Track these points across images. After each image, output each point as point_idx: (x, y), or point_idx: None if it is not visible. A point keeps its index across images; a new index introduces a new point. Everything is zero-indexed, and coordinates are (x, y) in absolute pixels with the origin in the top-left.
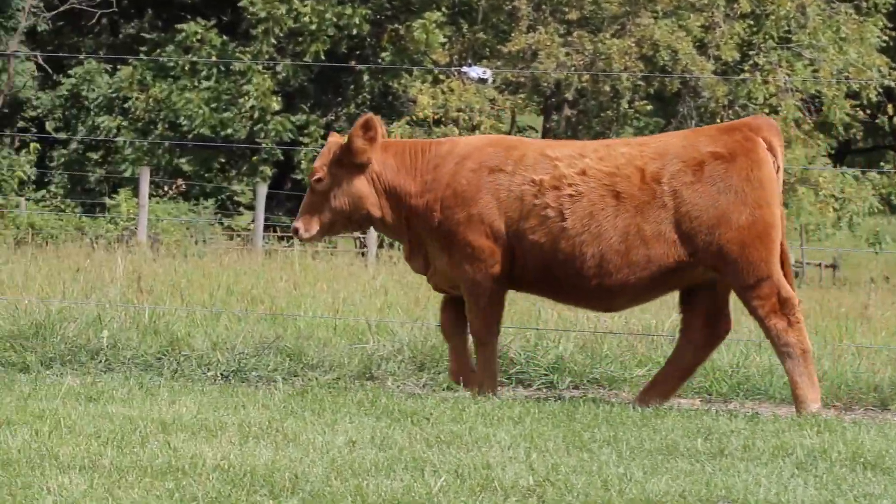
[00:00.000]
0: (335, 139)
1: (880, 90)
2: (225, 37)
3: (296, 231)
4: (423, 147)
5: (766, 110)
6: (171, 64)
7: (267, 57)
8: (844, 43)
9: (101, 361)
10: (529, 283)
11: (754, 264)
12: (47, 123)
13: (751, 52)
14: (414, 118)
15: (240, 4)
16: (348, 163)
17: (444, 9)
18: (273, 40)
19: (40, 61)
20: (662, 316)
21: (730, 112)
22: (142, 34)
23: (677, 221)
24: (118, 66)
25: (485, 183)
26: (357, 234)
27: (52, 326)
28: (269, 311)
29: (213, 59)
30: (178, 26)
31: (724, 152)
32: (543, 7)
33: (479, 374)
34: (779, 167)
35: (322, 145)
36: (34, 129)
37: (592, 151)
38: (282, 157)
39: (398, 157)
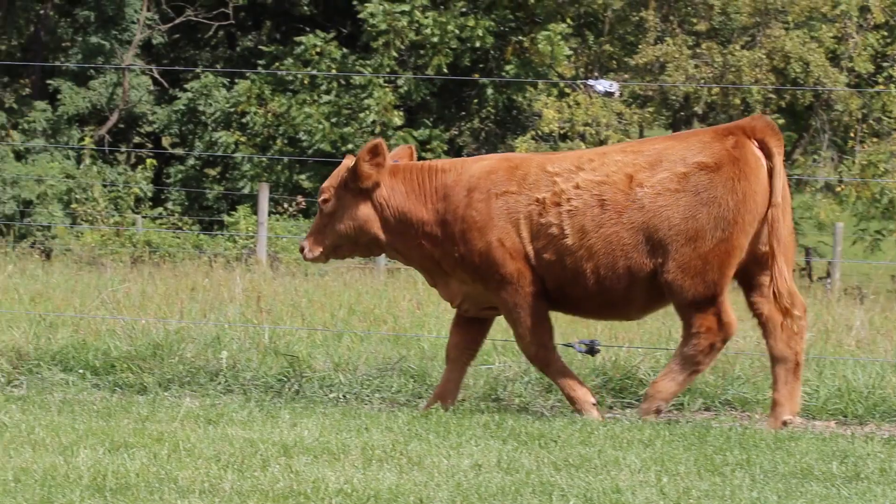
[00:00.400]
0: (347, 161)
1: None
2: (345, 49)
3: (301, 249)
4: (430, 171)
5: None
6: (290, 77)
7: (388, 70)
8: None
9: (220, 383)
10: (553, 300)
11: (708, 285)
12: (164, 139)
13: (885, 64)
14: (539, 132)
15: (360, 16)
16: (354, 187)
17: (569, 20)
18: (394, 53)
19: (156, 75)
20: None
21: (863, 126)
22: (260, 47)
23: (654, 228)
24: (236, 80)
25: (495, 209)
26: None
27: (170, 347)
28: (392, 332)
29: (333, 72)
30: (297, 39)
31: (711, 162)
32: (671, 18)
33: (569, 397)
34: (773, 168)
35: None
36: (150, 145)
37: (588, 162)
38: None
39: (407, 182)
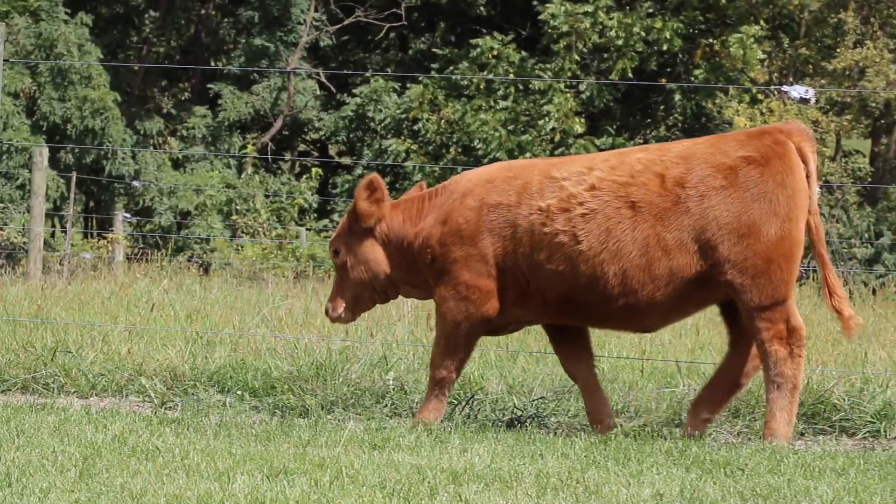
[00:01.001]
0: (349, 212)
1: None
2: (523, 52)
3: (326, 312)
4: (429, 193)
5: None
6: (465, 82)
7: (569, 75)
8: None
9: (386, 405)
10: (553, 313)
11: (775, 284)
12: (330, 147)
13: None
14: None
15: (540, 18)
16: (358, 228)
17: (763, 22)
18: (576, 56)
19: (323, 79)
20: None
21: None
22: (433, 50)
23: (702, 228)
24: (407, 85)
25: (485, 221)
26: None
27: (334, 367)
28: None
29: (511, 76)
30: (473, 41)
31: (758, 156)
32: (872, 20)
33: (422, 413)
34: (810, 175)
35: None
36: (316, 153)
37: (603, 162)
38: None
39: (406, 211)
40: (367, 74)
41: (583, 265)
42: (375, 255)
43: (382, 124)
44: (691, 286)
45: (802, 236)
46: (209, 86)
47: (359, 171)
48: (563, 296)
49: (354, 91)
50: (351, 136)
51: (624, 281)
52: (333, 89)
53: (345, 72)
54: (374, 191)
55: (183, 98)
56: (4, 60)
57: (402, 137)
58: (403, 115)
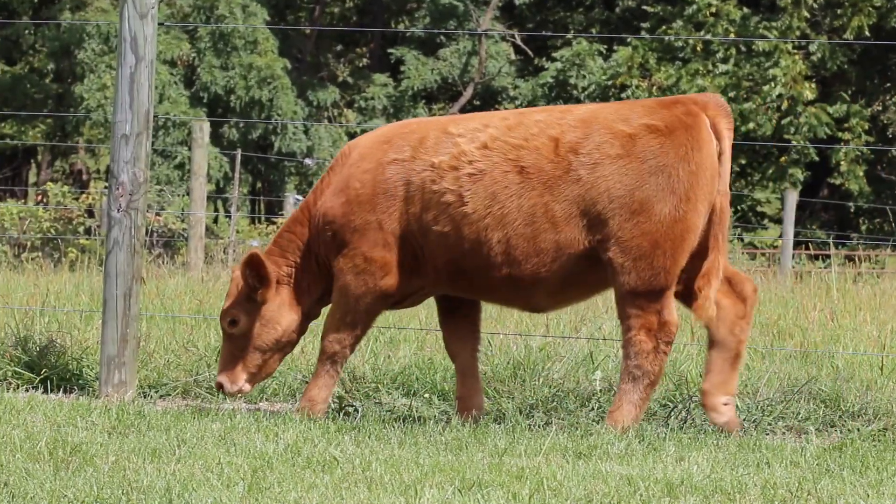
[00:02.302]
0: (235, 275)
1: None
2: (745, 9)
3: (220, 387)
4: (329, 171)
5: None
6: (680, 43)
7: (798, 34)
8: None
9: (592, 409)
10: (444, 282)
11: (655, 271)
12: None
13: None
14: None
15: None
16: (255, 297)
17: None
18: (805, 13)
19: (519, 42)
20: None
21: None
22: (643, 7)
23: (592, 200)
24: (614, 47)
25: (380, 182)
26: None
27: (534, 367)
28: (800, 348)
29: (731, 37)
30: None
31: (662, 125)
32: None
33: (312, 390)
34: (722, 153)
35: (866, 142)
36: None
37: (501, 120)
38: (816, 158)
39: (286, 247)
40: (569, 36)
41: (466, 229)
42: (283, 302)
43: (586, 92)
44: (581, 264)
45: (700, 222)
46: (390, 51)
47: None
48: (449, 261)
49: (554, 55)
50: (550, 105)
51: (507, 250)
52: (531, 53)
53: (543, 33)
54: (259, 267)
55: (361, 65)
56: (160, 24)
57: None
58: (610, 82)
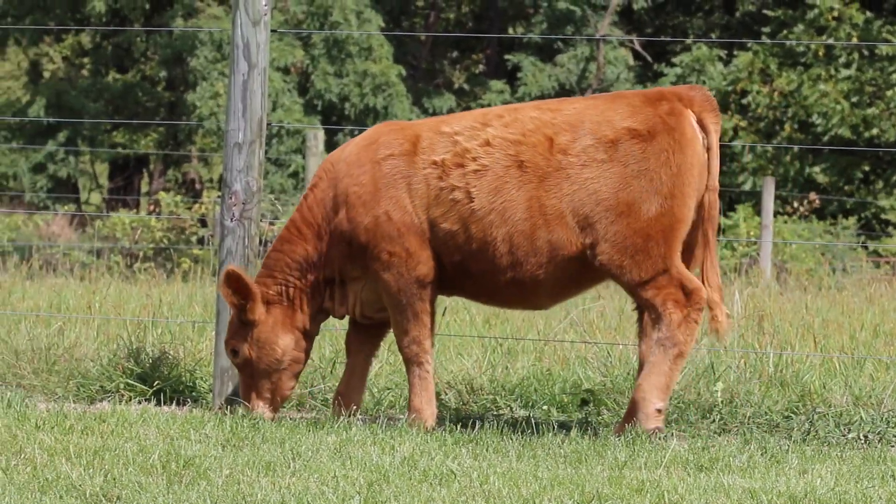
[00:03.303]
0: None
1: None
2: (868, 13)
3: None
4: (298, 209)
5: None
6: (801, 48)
7: None
8: None
9: (713, 421)
10: (452, 282)
11: (654, 259)
12: None
13: None
14: None
15: None
16: (245, 318)
17: None
18: None
19: (637, 47)
20: None
21: None
22: (763, 11)
23: (581, 201)
24: (735, 52)
25: (379, 177)
26: None
27: None
28: None
29: (854, 41)
30: (810, 1)
31: (643, 130)
32: None
33: (414, 400)
34: (710, 148)
35: None
36: None
37: (496, 118)
38: None
39: (289, 243)
40: (689, 41)
41: (474, 226)
42: (276, 322)
43: None
44: (574, 265)
45: (689, 213)
46: (507, 57)
47: None
48: (456, 263)
49: (674, 60)
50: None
51: (510, 249)
52: (649, 58)
53: (662, 38)
54: (238, 283)
55: (477, 71)
56: (273, 31)
57: (729, 112)
58: (730, 87)
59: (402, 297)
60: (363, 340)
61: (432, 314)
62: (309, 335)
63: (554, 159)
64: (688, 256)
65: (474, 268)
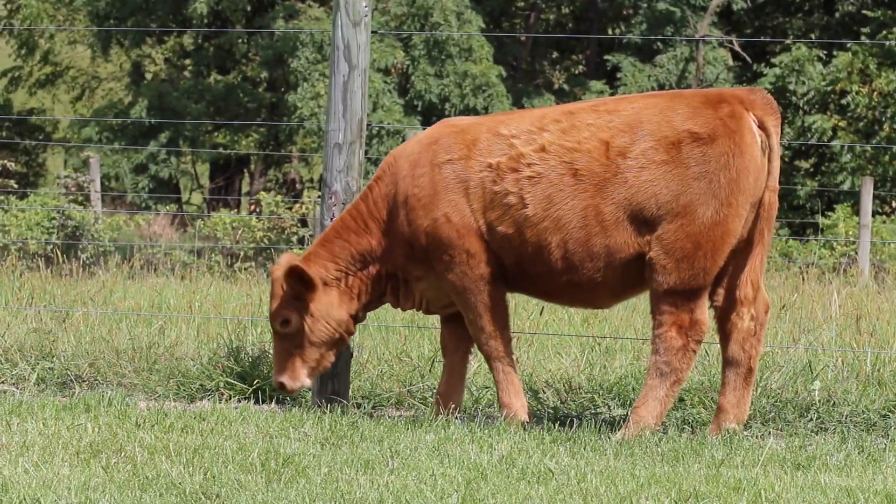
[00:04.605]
0: (277, 277)
1: None
2: None
3: (282, 387)
4: (369, 190)
5: None
6: None
7: None
8: None
9: (811, 419)
10: (512, 282)
11: (695, 271)
12: None
13: None
14: None
15: None
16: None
17: None
18: None
19: (737, 48)
20: None
21: None
22: (863, 12)
23: (639, 204)
24: (834, 52)
25: (439, 180)
26: None
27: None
28: None
29: None
30: None
31: (704, 133)
32: None
33: (502, 401)
34: (771, 150)
35: None
36: None
37: (553, 123)
38: None
39: (356, 245)
40: (788, 41)
41: (528, 231)
42: (332, 302)
43: (805, 98)
44: (633, 266)
45: (739, 226)
46: (606, 57)
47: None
48: (514, 264)
49: (773, 60)
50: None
51: (565, 255)
52: (749, 59)
53: (762, 39)
54: (298, 277)
55: (577, 72)
56: (373, 32)
57: (829, 113)
58: (829, 88)
59: (470, 295)
60: (458, 338)
61: (504, 309)
62: (357, 320)
63: (611, 164)
64: (746, 254)
65: (531, 269)
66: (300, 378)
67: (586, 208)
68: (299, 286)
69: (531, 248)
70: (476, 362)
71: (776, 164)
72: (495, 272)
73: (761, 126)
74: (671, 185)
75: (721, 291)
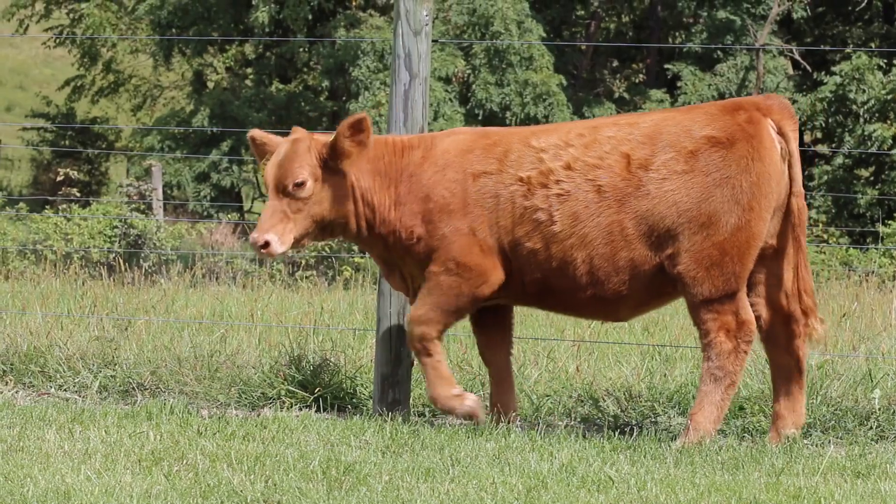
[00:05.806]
0: (300, 135)
1: None
2: None
3: (264, 244)
4: (399, 149)
5: None
6: None
7: None
8: None
9: (871, 428)
10: (531, 297)
11: (726, 276)
12: (806, 133)
13: None
14: None
15: None
16: (333, 165)
17: None
18: None
19: (797, 56)
20: None
21: None
22: None
23: (661, 215)
24: (894, 62)
25: (472, 193)
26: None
27: (812, 385)
28: None
29: None
30: None
31: (722, 137)
32: None
33: (428, 384)
34: (791, 155)
35: None
36: None
37: (578, 138)
38: None
39: (373, 161)
40: (848, 50)
41: (555, 247)
42: (345, 198)
43: (865, 107)
44: (658, 278)
45: (764, 229)
46: (667, 66)
47: (839, 160)
48: (538, 280)
49: (833, 69)
50: (830, 120)
51: (591, 270)
52: (809, 68)
53: (822, 47)
54: (361, 132)
55: (637, 81)
56: (434, 41)
57: (889, 122)
58: (890, 97)
59: (451, 298)
60: (495, 344)
61: (459, 320)
62: (352, 233)
63: (633, 177)
64: (780, 261)
65: (555, 284)
66: (287, 244)
67: (611, 224)
68: (353, 141)
69: (556, 264)
70: (537, 371)
71: (797, 168)
72: (489, 298)
73: (779, 131)
74: (693, 193)
75: (761, 301)
